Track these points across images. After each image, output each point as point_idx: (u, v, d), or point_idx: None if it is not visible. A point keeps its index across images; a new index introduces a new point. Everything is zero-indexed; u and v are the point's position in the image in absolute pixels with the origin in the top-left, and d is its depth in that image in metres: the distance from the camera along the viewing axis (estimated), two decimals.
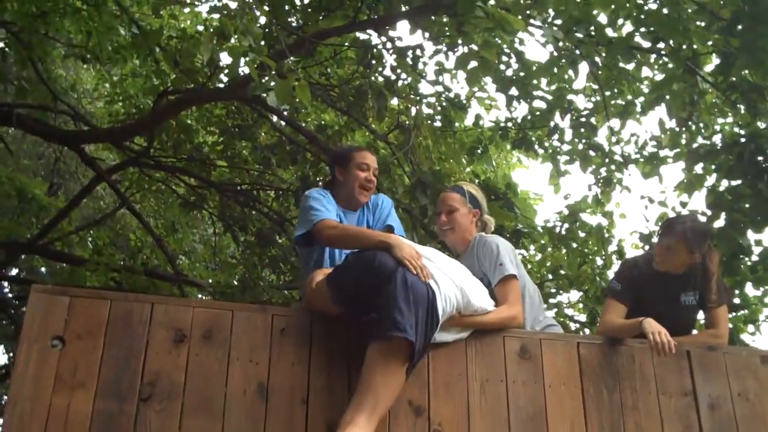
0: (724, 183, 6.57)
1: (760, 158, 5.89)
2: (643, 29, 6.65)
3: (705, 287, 4.27)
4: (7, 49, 8.21)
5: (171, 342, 3.29)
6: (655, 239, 4.78)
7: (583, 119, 8.43)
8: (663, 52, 6.97)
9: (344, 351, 3.41)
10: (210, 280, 10.95)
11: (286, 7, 6.99)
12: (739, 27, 5.73)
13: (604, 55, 7.30)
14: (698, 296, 4.30)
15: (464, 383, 3.49)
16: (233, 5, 6.80)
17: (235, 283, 9.98)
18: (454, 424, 3.39)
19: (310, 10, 7.37)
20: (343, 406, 3.28)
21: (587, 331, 8.88)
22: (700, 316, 4.43)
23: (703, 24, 6.51)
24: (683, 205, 7.77)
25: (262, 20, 7.01)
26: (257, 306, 3.60)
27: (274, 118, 8.96)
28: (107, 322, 3.26)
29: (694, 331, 4.46)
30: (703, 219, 6.23)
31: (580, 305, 9.74)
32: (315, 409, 3.29)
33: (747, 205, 5.88)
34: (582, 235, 9.10)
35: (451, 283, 3.50)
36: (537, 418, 3.49)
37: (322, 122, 9.49)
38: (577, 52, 6.98)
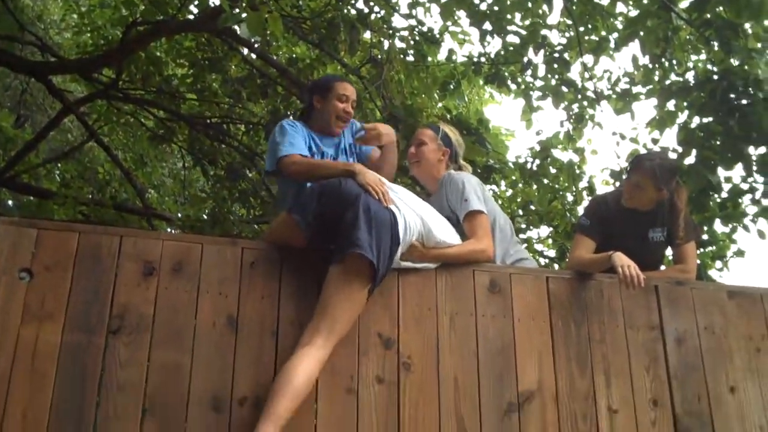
0: (696, 120, 6.59)
1: (732, 95, 5.90)
2: None
3: (673, 224, 4.30)
4: None
5: (140, 275, 3.26)
6: (625, 176, 4.78)
7: (556, 55, 8.40)
8: None
9: (313, 284, 3.40)
10: (179, 214, 10.88)
11: None
12: None
13: None
14: (666, 233, 4.34)
15: (434, 317, 3.50)
16: None
17: (205, 217, 9.92)
18: (424, 357, 3.41)
19: None
20: None
21: (556, 266, 8.94)
22: (669, 253, 4.47)
23: None
24: (654, 141, 7.81)
25: None
26: (227, 239, 3.57)
27: (245, 51, 8.84)
28: (75, 254, 3.23)
29: (663, 267, 4.50)
30: (672, 156, 6.27)
31: (550, 241, 9.81)
32: (284, 341, 3.29)
33: (718, 143, 5.90)
34: (553, 171, 9.12)
35: (412, 212, 3.54)
36: (506, 352, 3.51)
37: (294, 55, 9.37)
38: None
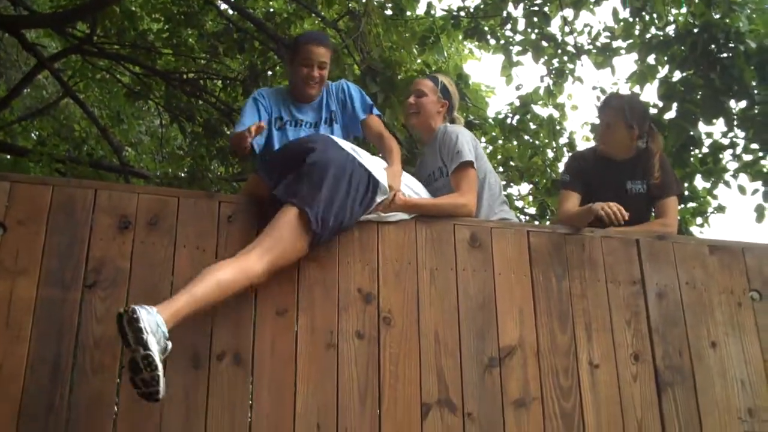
0: (677, 74, 6.57)
1: (713, 48, 5.87)
2: None
3: (648, 169, 4.29)
4: None
5: (115, 229, 3.21)
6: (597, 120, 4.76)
7: (536, 8, 8.33)
8: None
9: None
10: (157, 172, 10.78)
11: None
12: None
13: None
14: (646, 185, 4.31)
15: (414, 271, 3.48)
16: None
17: (183, 175, 9.84)
18: (404, 312, 3.39)
19: None
20: (291, 294, 3.28)
21: (537, 223, 8.94)
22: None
23: None
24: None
25: None
26: (204, 192, 3.55)
27: (222, 6, 8.73)
28: (49, 208, 3.17)
29: None
30: (653, 111, 6.25)
31: (530, 198, 9.79)
32: (263, 295, 3.26)
33: (699, 96, 5.87)
34: (533, 127, 9.10)
35: (380, 167, 3.61)
36: (486, 306, 3.49)
37: (271, 9, 9.26)
38: None
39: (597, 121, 5.46)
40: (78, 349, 2.99)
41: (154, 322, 2.72)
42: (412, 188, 3.76)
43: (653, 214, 4.40)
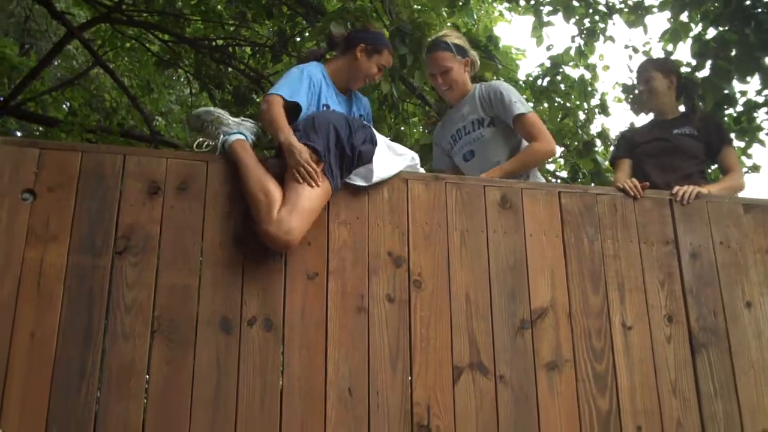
0: (711, 32, 6.45)
1: (747, 3, 5.75)
2: None
3: (693, 118, 4.43)
4: None
5: (145, 194, 3.21)
6: (636, 90, 4.84)
7: None
8: None
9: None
10: (188, 141, 10.80)
11: None
12: None
13: None
14: (695, 130, 4.36)
15: (444, 233, 3.45)
16: None
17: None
18: (434, 274, 3.37)
19: None
20: (322, 258, 3.27)
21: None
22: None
23: None
24: (668, 54, 7.65)
25: None
26: None
27: None
28: (79, 174, 3.17)
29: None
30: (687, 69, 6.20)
31: (561, 161, 9.71)
32: (292, 259, 3.25)
33: (733, 53, 5.77)
34: (564, 88, 8.99)
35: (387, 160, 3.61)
36: (517, 268, 3.47)
37: None
38: None
39: (630, 82, 5.48)
40: (109, 315, 3.00)
41: None
42: (395, 150, 3.70)
43: (718, 166, 4.54)
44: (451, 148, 4.33)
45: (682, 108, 4.60)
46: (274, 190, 3.25)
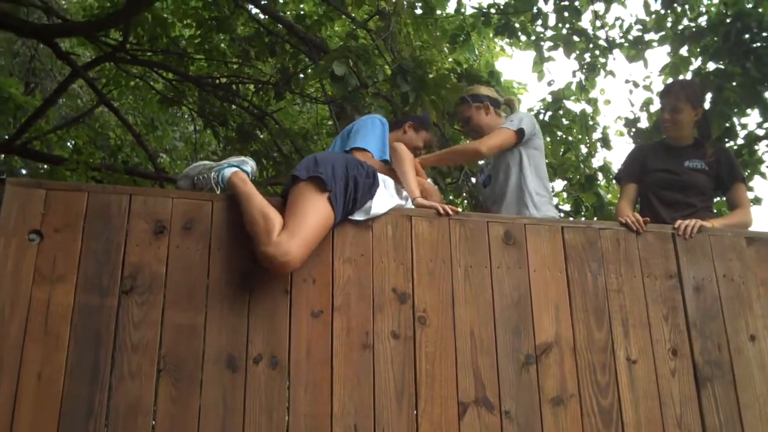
0: (710, 65, 6.51)
1: (746, 37, 5.80)
2: None
3: (706, 150, 4.40)
4: None
5: (151, 234, 3.23)
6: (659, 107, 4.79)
7: (567, 3, 8.30)
8: None
9: (327, 242, 3.38)
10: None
11: None
12: None
13: None
14: (706, 165, 4.34)
15: (448, 269, 3.47)
16: None
17: None
18: (439, 310, 3.39)
19: None
20: (326, 295, 3.29)
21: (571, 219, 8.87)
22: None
23: None
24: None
25: None
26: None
27: (252, 10, 8.75)
28: (85, 214, 3.20)
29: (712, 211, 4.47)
30: None
31: (564, 195, 9.74)
32: (297, 297, 3.27)
33: (735, 85, 5.81)
34: (566, 122, 9.05)
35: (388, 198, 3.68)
36: (521, 303, 3.48)
37: (302, 11, 9.28)
38: None
39: (631, 116, 5.48)
40: (116, 354, 3.02)
41: None
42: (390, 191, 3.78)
43: (726, 201, 4.52)
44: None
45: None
46: (274, 215, 3.28)
